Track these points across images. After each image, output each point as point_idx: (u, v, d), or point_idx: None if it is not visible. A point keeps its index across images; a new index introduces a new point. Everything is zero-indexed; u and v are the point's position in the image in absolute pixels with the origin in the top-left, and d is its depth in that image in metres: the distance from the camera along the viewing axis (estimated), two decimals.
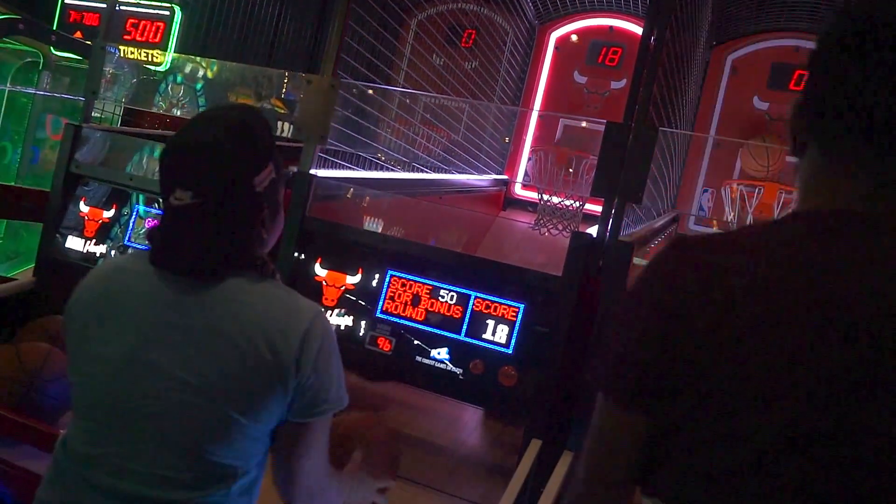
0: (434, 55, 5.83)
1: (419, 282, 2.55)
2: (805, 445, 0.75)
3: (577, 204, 6.55)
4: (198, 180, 1.16)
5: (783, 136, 7.07)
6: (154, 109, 4.38)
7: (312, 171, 2.81)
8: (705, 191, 7.17)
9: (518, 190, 7.75)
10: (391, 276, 2.59)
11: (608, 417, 0.91)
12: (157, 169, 1.23)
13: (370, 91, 3.69)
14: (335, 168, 3.72)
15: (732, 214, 6.29)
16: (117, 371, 1.15)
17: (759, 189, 6.07)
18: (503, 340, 2.44)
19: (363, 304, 2.59)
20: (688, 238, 0.90)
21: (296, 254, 2.60)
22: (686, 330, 0.82)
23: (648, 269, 0.91)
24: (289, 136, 4.47)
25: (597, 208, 6.89)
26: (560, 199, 6.58)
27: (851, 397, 0.74)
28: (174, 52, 6.26)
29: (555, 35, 8.00)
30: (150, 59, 5.62)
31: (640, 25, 7.22)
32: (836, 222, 0.83)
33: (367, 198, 3.60)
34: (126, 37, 6.39)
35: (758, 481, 0.77)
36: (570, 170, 6.88)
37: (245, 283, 1.19)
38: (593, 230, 2.47)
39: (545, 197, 6.67)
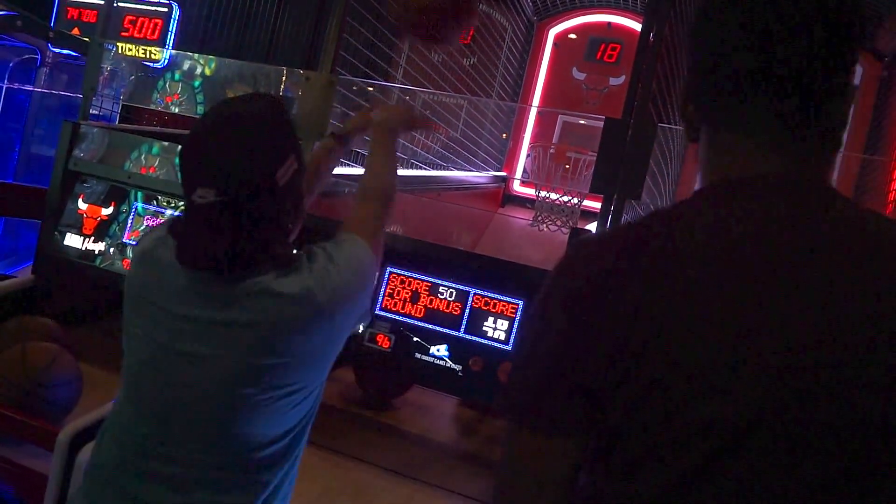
0: (432, 52, 5.82)
1: (418, 278, 2.55)
2: (758, 440, 0.68)
3: (576, 200, 6.55)
4: (220, 178, 1.14)
5: None
6: (152, 107, 4.37)
7: None
8: None
9: (517, 186, 7.75)
10: (390, 272, 2.59)
11: (527, 450, 0.78)
12: (178, 166, 1.22)
13: (369, 88, 3.69)
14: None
15: None
16: (151, 360, 1.19)
17: None
18: (502, 337, 2.45)
19: None
20: (587, 233, 0.87)
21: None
22: (606, 320, 0.73)
23: (550, 276, 0.82)
24: None
25: (595, 205, 6.90)
26: (558, 196, 6.58)
27: (800, 382, 0.67)
28: (172, 49, 6.25)
29: (553, 31, 8.00)
30: (147, 56, 5.60)
31: (638, 21, 7.22)
32: (750, 186, 0.77)
33: None
34: (123, 34, 6.37)
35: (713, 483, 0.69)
36: (567, 166, 6.89)
37: (271, 279, 1.17)
38: (593, 227, 2.47)
39: (542, 193, 6.67)
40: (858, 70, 7.02)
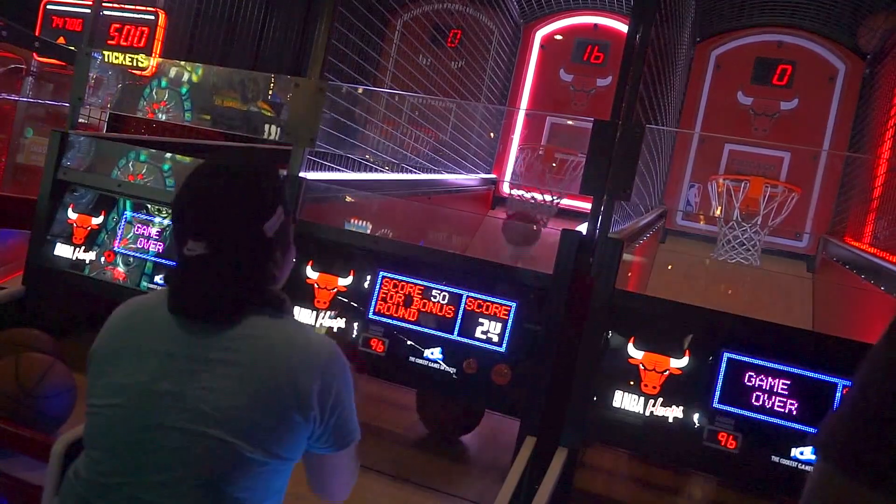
0: (420, 55, 5.83)
1: (411, 282, 2.56)
2: None
3: (554, 199, 6.60)
4: (210, 232, 1.20)
5: (768, 131, 7.14)
6: (139, 114, 4.36)
7: (302, 174, 2.81)
8: (692, 186, 7.23)
9: (506, 189, 7.77)
10: (383, 277, 2.59)
11: (839, 495, 0.71)
12: (171, 217, 1.26)
13: (358, 92, 3.69)
14: (324, 170, 3.72)
15: (719, 209, 6.34)
16: (136, 400, 1.16)
17: (745, 183, 6.13)
18: (496, 339, 2.46)
19: (355, 305, 2.59)
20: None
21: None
22: None
23: None
24: (276, 138, 4.45)
25: (575, 203, 6.86)
26: (540, 196, 6.64)
27: None
28: (159, 56, 6.23)
29: (540, 34, 8.03)
30: (134, 64, 5.58)
31: (624, 23, 7.26)
32: None
33: (357, 200, 3.60)
34: (110, 42, 6.34)
35: None
36: (553, 164, 6.93)
37: (262, 320, 1.22)
38: (583, 227, 2.49)
39: (516, 192, 6.69)
40: (841, 68, 7.12)
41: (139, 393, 1.16)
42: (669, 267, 5.74)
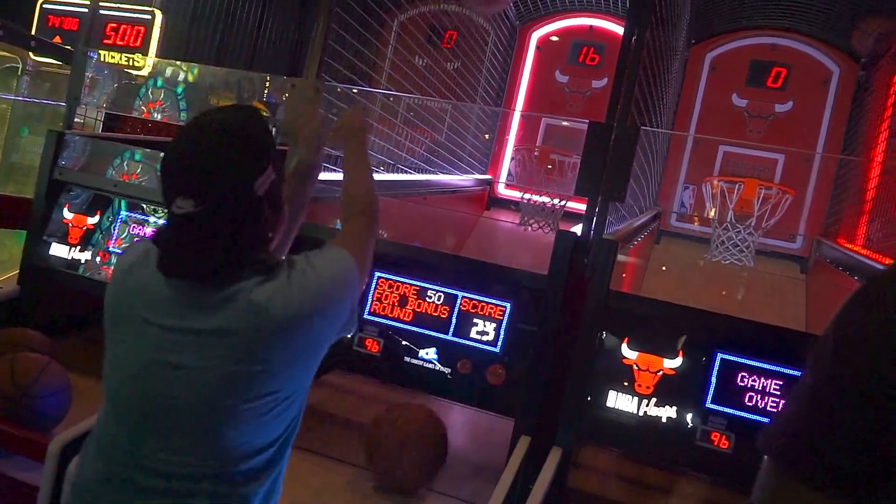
0: (416, 56, 5.84)
1: (406, 283, 2.57)
2: None
3: (561, 203, 6.61)
4: (198, 188, 1.16)
5: (762, 133, 7.18)
6: (135, 114, 4.37)
7: None
8: (686, 187, 7.26)
9: (501, 189, 7.78)
10: (378, 277, 2.60)
11: (791, 500, 0.72)
12: (159, 176, 1.22)
13: (353, 92, 3.70)
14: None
15: (713, 210, 6.37)
16: (138, 373, 1.18)
17: (740, 185, 6.16)
18: (491, 339, 2.47)
19: None
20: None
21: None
22: None
23: (869, 300, 0.71)
24: None
25: (581, 206, 6.94)
26: (542, 200, 6.64)
27: None
28: (155, 56, 6.22)
29: (536, 35, 8.05)
30: (130, 64, 5.58)
31: (620, 25, 7.29)
32: None
33: None
34: (106, 41, 6.33)
35: None
36: (549, 166, 6.94)
37: (252, 286, 1.18)
38: (578, 228, 2.50)
39: (527, 196, 6.72)
40: (835, 71, 7.16)
41: (143, 366, 1.17)
42: (664, 268, 5.76)
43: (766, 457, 0.74)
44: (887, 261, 3.96)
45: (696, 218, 7.11)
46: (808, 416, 0.72)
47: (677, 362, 2.27)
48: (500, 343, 2.46)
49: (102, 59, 4.03)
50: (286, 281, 1.20)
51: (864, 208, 5.47)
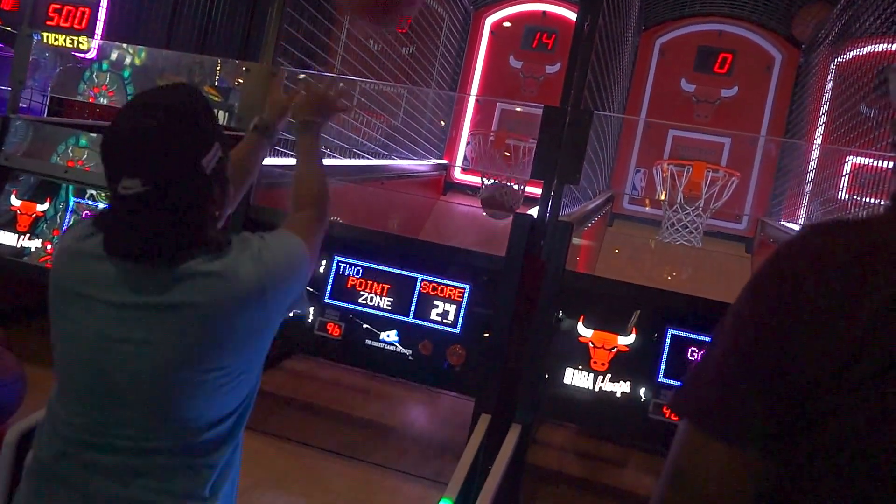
0: (371, 41, 5.81)
1: (367, 266, 2.59)
2: None
3: (517, 187, 6.68)
4: (144, 167, 1.13)
5: (709, 117, 7.38)
6: (79, 98, 4.24)
7: None
8: (638, 171, 7.43)
9: (458, 174, 7.83)
10: (338, 261, 2.62)
11: (708, 456, 0.73)
12: (101, 158, 1.19)
13: (299, 77, 3.67)
14: (276, 156, 3.70)
15: (663, 193, 6.54)
16: (89, 351, 1.17)
17: (688, 168, 6.33)
18: (450, 321, 2.52)
19: (311, 290, 2.61)
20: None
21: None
22: (837, 338, 0.67)
23: (777, 263, 0.75)
24: (224, 123, 4.39)
25: (537, 190, 7.02)
26: (506, 183, 6.71)
27: None
28: (101, 38, 6.02)
29: (490, 20, 8.08)
30: (75, 46, 5.39)
31: (572, 10, 7.37)
32: None
33: None
34: (49, 22, 6.10)
35: None
36: (507, 153, 7.01)
37: (202, 262, 1.18)
38: (534, 211, 2.56)
39: (486, 181, 6.78)
40: (778, 57, 7.40)
41: (95, 341, 1.17)
42: (616, 251, 5.90)
43: (681, 419, 0.76)
44: None
45: (647, 200, 7.29)
46: (720, 370, 0.74)
47: (631, 339, 2.36)
48: (459, 324, 2.51)
49: (45, 41, 3.90)
50: (238, 255, 1.21)
51: (803, 189, 5.70)
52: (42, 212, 2.97)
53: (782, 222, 5.93)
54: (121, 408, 1.16)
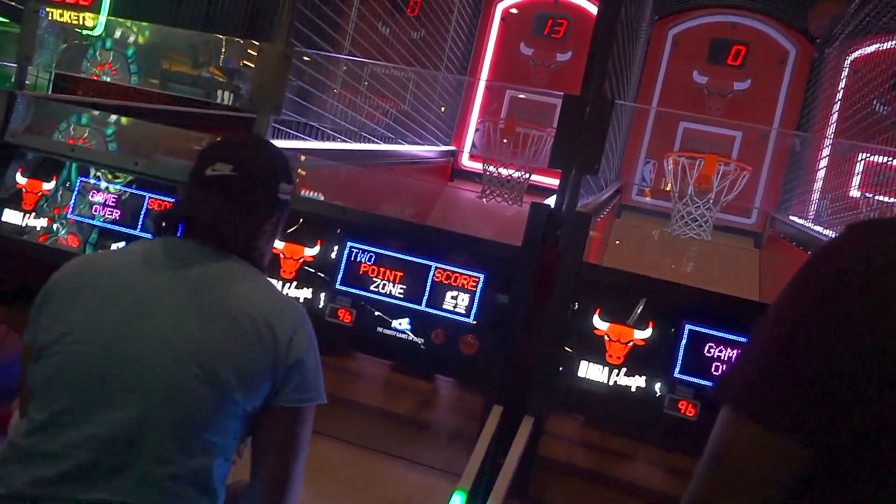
0: (381, 23, 5.73)
1: (380, 252, 2.55)
2: None
3: (519, 175, 6.64)
4: (240, 158, 1.28)
5: (721, 110, 7.31)
6: (83, 76, 4.18)
7: None
8: (647, 162, 7.36)
9: (465, 161, 7.76)
10: (351, 247, 2.57)
11: (748, 441, 0.74)
12: (197, 156, 1.30)
13: (327, 60, 3.62)
14: (288, 139, 3.65)
15: (672, 184, 6.48)
16: (111, 335, 1.13)
17: (700, 161, 6.27)
18: (464, 310, 2.48)
19: (322, 276, 2.57)
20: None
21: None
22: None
23: (820, 259, 0.76)
24: (229, 104, 4.33)
25: (543, 179, 6.92)
26: (509, 172, 6.66)
27: None
28: (108, 15, 5.95)
29: (501, 6, 7.98)
30: (81, 23, 5.33)
31: None
32: None
33: (322, 169, 3.54)
34: None
35: None
36: (514, 139, 6.95)
37: (242, 268, 1.26)
38: (551, 201, 2.51)
39: (491, 168, 6.72)
40: (792, 51, 7.31)
41: (118, 327, 1.14)
42: (617, 242, 5.85)
43: (723, 407, 0.77)
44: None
45: (647, 191, 7.25)
46: (764, 361, 0.76)
47: (647, 333, 2.32)
48: (473, 313, 2.46)
49: (51, 17, 3.84)
50: (274, 286, 1.33)
51: (815, 185, 5.65)
52: (48, 190, 2.92)
53: (792, 217, 5.89)
54: (121, 403, 1.12)
